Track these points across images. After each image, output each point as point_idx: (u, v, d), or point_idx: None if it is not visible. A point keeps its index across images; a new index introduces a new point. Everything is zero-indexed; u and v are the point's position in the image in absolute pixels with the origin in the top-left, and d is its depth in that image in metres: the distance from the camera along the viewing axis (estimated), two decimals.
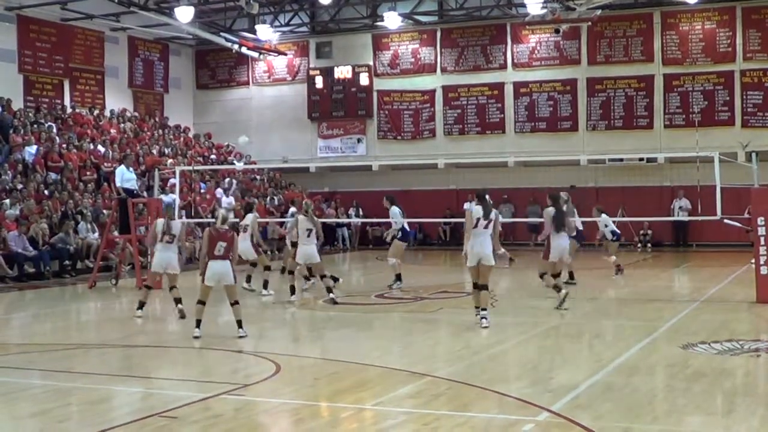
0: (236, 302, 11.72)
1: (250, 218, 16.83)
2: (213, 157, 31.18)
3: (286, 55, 33.02)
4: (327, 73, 32.44)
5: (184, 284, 19.37)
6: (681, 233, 28.42)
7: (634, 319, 13.01)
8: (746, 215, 17.91)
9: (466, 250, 11.97)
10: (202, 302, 11.68)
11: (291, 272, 16.27)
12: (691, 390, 8.20)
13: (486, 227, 11.91)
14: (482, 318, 11.89)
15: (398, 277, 17.40)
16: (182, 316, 13.36)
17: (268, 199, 29.54)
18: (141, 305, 13.80)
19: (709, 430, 7.07)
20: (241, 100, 34.11)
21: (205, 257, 11.67)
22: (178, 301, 13.70)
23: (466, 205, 17.64)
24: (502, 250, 13.54)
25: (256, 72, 33.84)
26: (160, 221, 14.09)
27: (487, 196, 12.27)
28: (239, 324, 11.57)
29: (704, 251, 26.74)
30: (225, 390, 8.41)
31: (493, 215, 12.00)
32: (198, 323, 11.60)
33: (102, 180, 24.94)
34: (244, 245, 16.28)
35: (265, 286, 16.58)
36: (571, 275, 17.34)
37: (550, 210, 14.09)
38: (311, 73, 32.76)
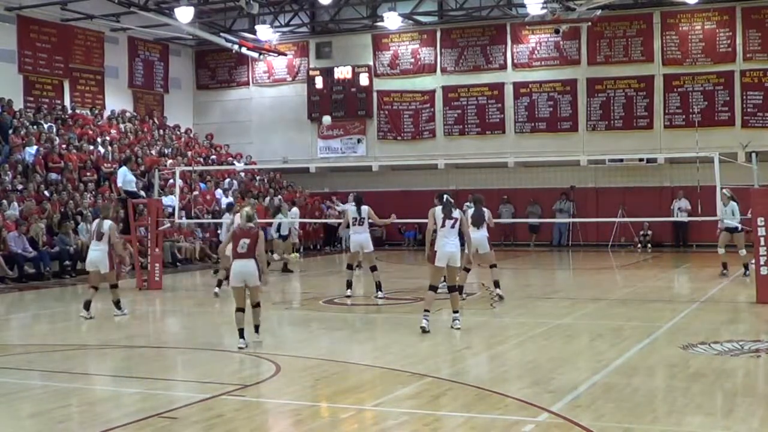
0: (257, 305, 11.00)
1: (366, 210, 16.42)
2: (213, 157, 31.19)
3: (285, 55, 33.02)
4: (327, 73, 32.44)
5: (187, 283, 19.42)
6: (681, 234, 28.42)
7: (634, 319, 13.01)
8: (748, 216, 17.91)
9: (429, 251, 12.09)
10: (240, 309, 10.83)
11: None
12: (691, 390, 8.21)
13: (453, 227, 11.90)
14: (454, 320, 12.01)
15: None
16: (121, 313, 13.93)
17: (268, 199, 29.52)
18: (87, 305, 13.80)
19: (709, 431, 7.07)
20: (241, 100, 34.11)
21: (224, 252, 11.59)
22: (116, 304, 13.98)
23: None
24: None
25: (256, 72, 33.84)
26: (96, 221, 14.27)
27: (446, 196, 12.27)
28: (256, 329, 10.94)
29: (704, 252, 26.71)
30: (225, 390, 8.41)
31: (457, 214, 12.02)
32: (241, 333, 10.76)
33: (102, 180, 24.94)
34: (362, 237, 16.19)
35: (379, 287, 16.01)
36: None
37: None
38: (311, 73, 32.75)
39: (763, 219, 14.27)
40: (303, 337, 12.48)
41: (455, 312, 12.02)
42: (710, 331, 11.57)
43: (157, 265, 18.26)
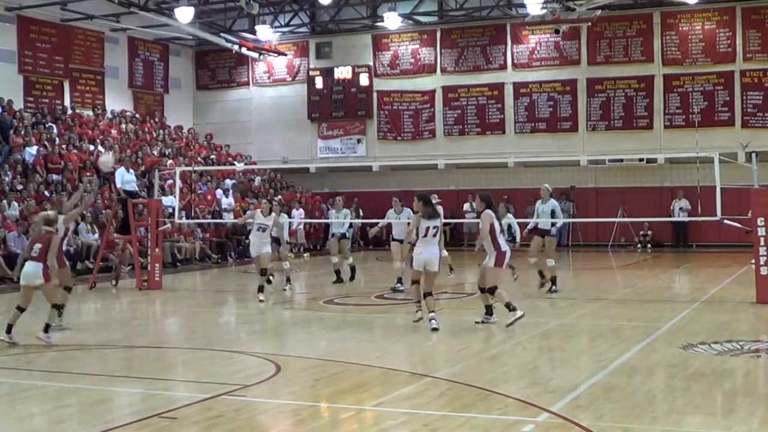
0: (54, 305, 11.32)
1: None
2: (213, 157, 31.19)
3: (285, 55, 33.04)
4: (327, 73, 32.45)
5: (187, 283, 19.39)
6: (681, 234, 28.42)
7: (634, 319, 13.01)
8: (749, 216, 17.89)
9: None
10: (21, 309, 11.29)
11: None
12: (691, 390, 8.20)
13: (435, 235, 12.05)
14: (431, 320, 11.87)
15: (399, 280, 17.13)
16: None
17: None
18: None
19: (709, 431, 7.06)
20: (241, 100, 34.13)
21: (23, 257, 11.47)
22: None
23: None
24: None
25: (256, 72, 33.85)
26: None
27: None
28: (46, 328, 11.11)
29: (704, 252, 26.74)
30: (225, 391, 8.41)
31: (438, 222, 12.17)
32: (9, 328, 11.22)
33: (102, 181, 24.92)
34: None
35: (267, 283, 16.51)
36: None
37: (489, 212, 12.24)
38: (311, 73, 32.77)
39: (763, 219, 14.28)
40: (303, 337, 12.48)
41: (432, 312, 11.96)
42: (710, 331, 11.57)
43: (157, 265, 18.29)
